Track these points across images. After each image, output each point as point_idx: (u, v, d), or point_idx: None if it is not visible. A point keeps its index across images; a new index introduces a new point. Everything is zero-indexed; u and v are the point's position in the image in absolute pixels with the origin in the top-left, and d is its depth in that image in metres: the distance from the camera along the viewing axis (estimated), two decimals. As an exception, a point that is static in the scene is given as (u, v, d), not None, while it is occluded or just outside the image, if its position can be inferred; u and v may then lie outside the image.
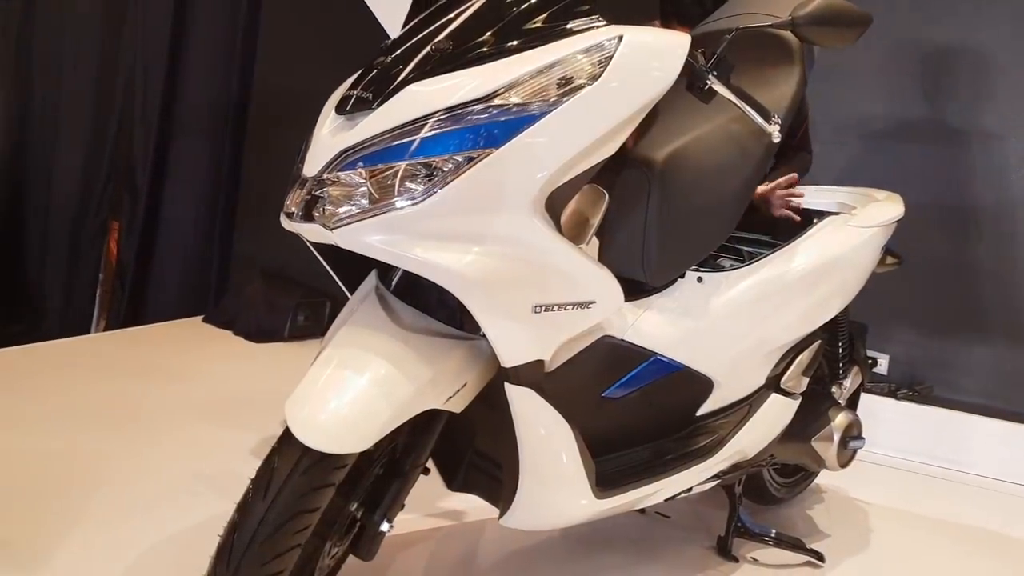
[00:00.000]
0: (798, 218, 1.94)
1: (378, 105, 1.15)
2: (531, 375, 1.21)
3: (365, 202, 1.11)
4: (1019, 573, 2.08)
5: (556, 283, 1.19)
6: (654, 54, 1.22)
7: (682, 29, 1.96)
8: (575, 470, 1.32)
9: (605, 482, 1.39)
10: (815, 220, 1.89)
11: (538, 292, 1.17)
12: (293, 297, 3.55)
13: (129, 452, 2.14)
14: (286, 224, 1.25)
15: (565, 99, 1.12)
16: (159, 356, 3.12)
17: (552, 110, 1.12)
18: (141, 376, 2.81)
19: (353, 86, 1.23)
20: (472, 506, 1.92)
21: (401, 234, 1.10)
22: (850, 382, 2.21)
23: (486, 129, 1.10)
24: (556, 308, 1.19)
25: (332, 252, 1.35)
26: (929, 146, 2.94)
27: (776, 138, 1.43)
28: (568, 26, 1.19)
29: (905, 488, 2.61)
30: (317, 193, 1.18)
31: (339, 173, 1.13)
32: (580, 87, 1.13)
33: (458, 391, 1.21)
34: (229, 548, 1.07)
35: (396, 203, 1.09)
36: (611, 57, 1.15)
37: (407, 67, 1.17)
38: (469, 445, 1.52)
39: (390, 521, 1.22)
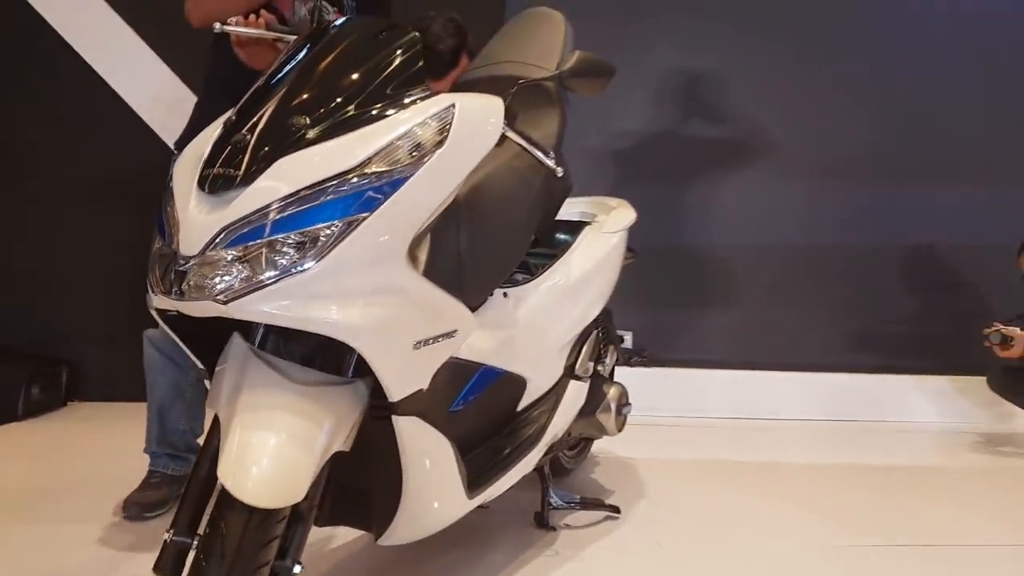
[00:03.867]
0: None
1: (248, 182, 1.22)
2: (414, 404, 1.37)
3: (251, 275, 1.19)
4: (763, 492, 2.62)
5: (428, 319, 1.36)
6: (482, 116, 1.43)
7: (435, 81, 2.17)
8: (455, 479, 1.51)
9: (470, 484, 1.59)
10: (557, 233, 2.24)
11: (416, 330, 1.33)
12: (24, 371, 3.18)
13: None
14: (160, 302, 1.26)
15: (421, 164, 1.29)
16: None
17: (412, 174, 1.28)
18: None
19: (209, 163, 1.28)
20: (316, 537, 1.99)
21: (294, 299, 1.19)
22: (610, 359, 2.63)
23: (357, 197, 1.23)
24: (431, 341, 1.36)
25: (179, 324, 1.38)
26: (644, 153, 3.54)
27: (559, 173, 1.71)
28: (408, 97, 1.35)
29: (656, 439, 3.14)
30: (187, 269, 1.22)
31: (223, 251, 1.19)
32: (431, 152, 1.31)
33: (351, 430, 1.33)
34: None
35: (290, 271, 1.18)
36: (450, 124, 1.34)
37: (270, 143, 1.26)
38: (329, 481, 1.62)
39: (300, 563, 1.30)
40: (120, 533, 2.12)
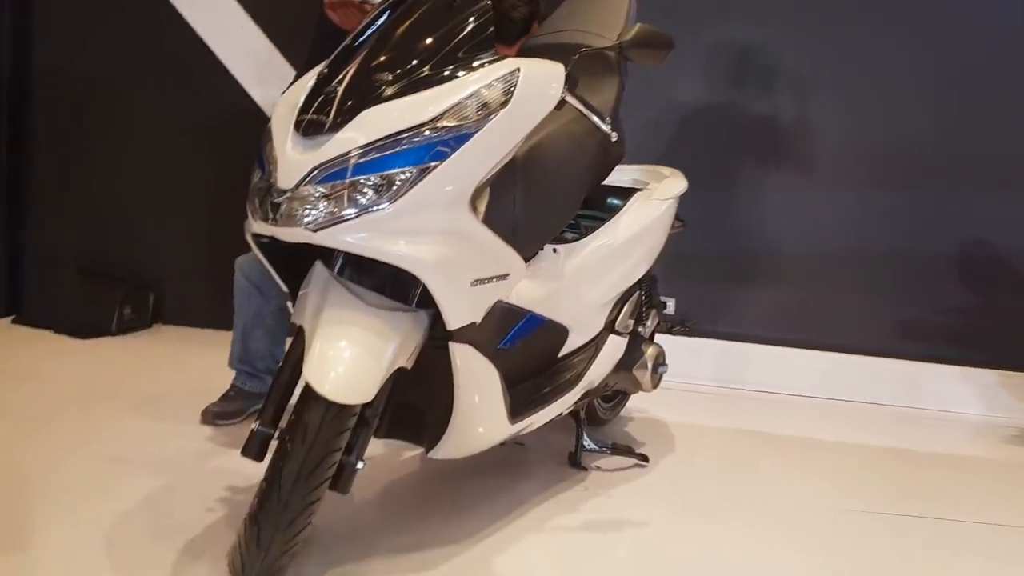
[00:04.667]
0: None
1: (339, 129, 1.42)
2: (468, 334, 1.57)
3: (335, 210, 1.40)
4: (788, 461, 2.74)
5: (485, 261, 1.55)
6: (544, 80, 1.61)
7: (503, 47, 2.33)
8: (499, 405, 1.71)
9: (512, 411, 1.79)
10: (609, 198, 2.39)
11: (474, 270, 1.53)
12: (116, 291, 3.51)
13: (21, 448, 2.18)
14: (258, 227, 1.48)
15: (486, 121, 1.48)
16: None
17: (478, 130, 1.47)
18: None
19: (304, 109, 1.48)
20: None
21: (371, 233, 1.41)
22: (651, 322, 2.78)
23: (429, 148, 1.43)
24: (486, 281, 1.56)
25: (270, 251, 1.60)
26: (699, 127, 3.64)
27: (614, 138, 1.87)
28: (477, 60, 1.53)
29: (692, 404, 3.29)
30: (281, 201, 1.44)
31: (312, 187, 1.40)
32: (496, 111, 1.49)
33: (413, 351, 1.54)
34: (278, 484, 1.34)
35: (369, 209, 1.39)
36: (515, 86, 1.52)
37: (355, 96, 1.46)
38: (389, 398, 1.84)
39: (363, 460, 1.52)
40: (203, 434, 2.42)
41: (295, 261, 1.63)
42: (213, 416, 2.49)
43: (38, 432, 2.32)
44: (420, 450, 2.28)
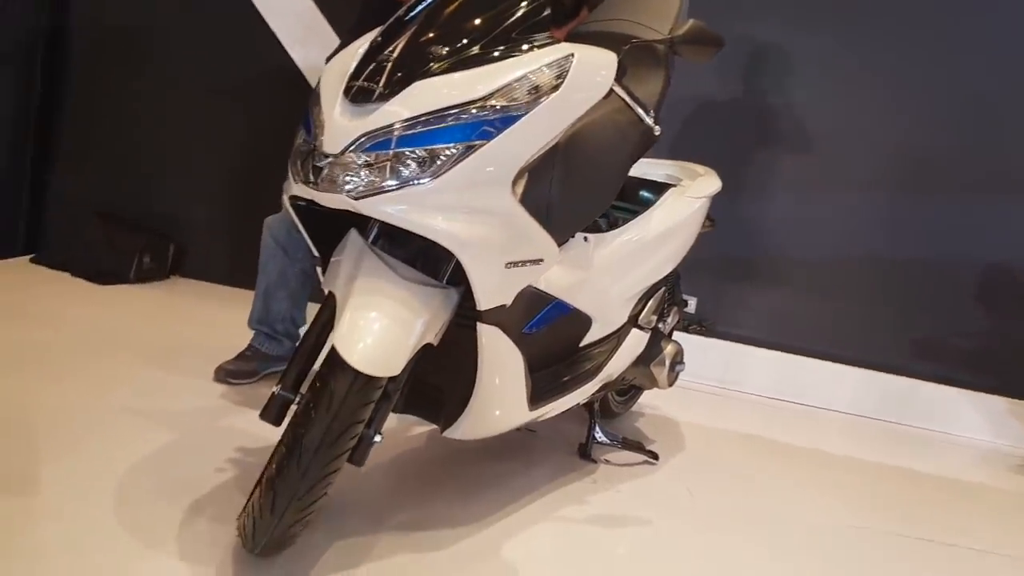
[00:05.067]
0: None
1: (388, 99, 1.40)
2: (497, 316, 1.55)
3: (377, 179, 1.37)
4: (794, 472, 2.74)
5: (521, 244, 1.53)
6: (595, 68, 1.58)
7: (555, 29, 2.31)
8: (520, 389, 1.70)
9: (532, 398, 1.78)
10: (641, 191, 2.37)
11: (510, 252, 1.51)
12: (137, 240, 3.51)
13: (35, 394, 2.18)
14: (299, 190, 1.46)
15: (536, 104, 1.45)
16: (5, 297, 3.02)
17: (527, 112, 1.44)
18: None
19: (355, 75, 1.46)
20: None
21: (412, 206, 1.38)
22: (672, 319, 2.76)
23: (476, 126, 1.40)
24: (520, 264, 1.54)
25: (306, 215, 1.59)
26: (724, 126, 3.59)
27: (657, 132, 1.85)
28: (531, 41, 1.51)
29: (701, 405, 3.28)
30: (323, 166, 1.41)
31: (357, 155, 1.38)
32: (546, 94, 1.46)
33: (440, 328, 1.52)
34: (299, 450, 1.32)
35: (412, 182, 1.37)
36: (567, 72, 1.49)
37: (406, 68, 1.43)
38: (410, 375, 1.83)
39: (380, 434, 1.51)
40: (216, 391, 2.42)
41: (328, 226, 1.61)
42: (227, 374, 2.49)
43: (52, 378, 2.32)
44: (429, 427, 2.29)
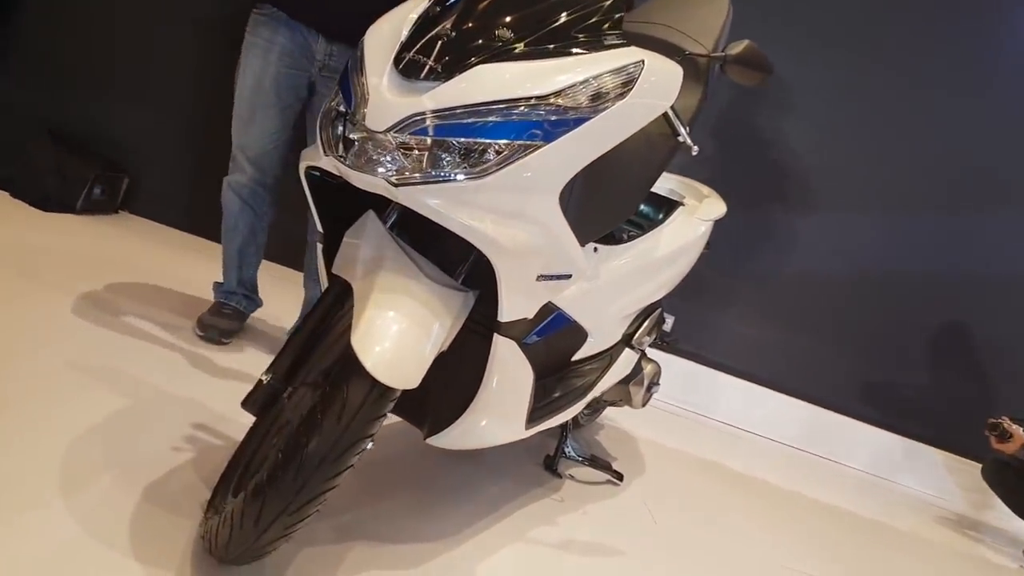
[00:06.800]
0: None
1: (444, 78, 1.24)
2: (515, 329, 1.42)
3: (419, 166, 1.22)
4: (749, 505, 2.73)
5: (556, 257, 1.40)
6: (663, 79, 1.45)
7: None
8: (523, 407, 1.57)
9: (530, 417, 1.66)
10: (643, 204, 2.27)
11: (544, 264, 1.38)
12: (90, 169, 3.24)
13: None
14: (327, 163, 1.30)
15: (602, 109, 1.31)
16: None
17: (591, 117, 1.30)
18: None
19: (407, 46, 1.30)
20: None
21: (455, 201, 1.23)
22: (651, 337, 2.69)
23: (538, 125, 1.26)
24: (550, 278, 1.41)
25: (320, 187, 1.43)
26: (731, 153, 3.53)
27: (695, 151, 1.74)
28: (606, 39, 1.37)
29: (663, 425, 3.23)
30: (359, 140, 1.26)
31: (404, 136, 1.22)
32: (613, 100, 1.33)
33: (454, 333, 1.38)
34: (299, 460, 1.16)
35: (456, 175, 1.22)
36: (635, 80, 1.36)
37: (471, 46, 1.27)
38: None
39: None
40: (173, 348, 2.21)
41: (329, 198, 1.46)
42: (217, 333, 2.34)
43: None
44: (399, 423, 2.15)
